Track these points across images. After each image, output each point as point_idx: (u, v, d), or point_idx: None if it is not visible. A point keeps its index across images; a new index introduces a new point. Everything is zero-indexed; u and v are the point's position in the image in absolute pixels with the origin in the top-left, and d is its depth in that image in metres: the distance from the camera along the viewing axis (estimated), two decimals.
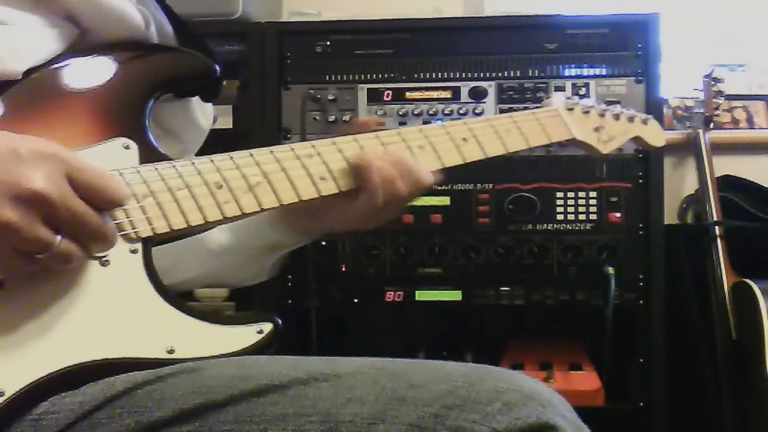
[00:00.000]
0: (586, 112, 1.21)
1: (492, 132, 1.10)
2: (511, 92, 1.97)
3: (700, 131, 2.31)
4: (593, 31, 1.98)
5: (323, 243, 1.97)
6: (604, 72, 1.97)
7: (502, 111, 1.94)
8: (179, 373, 0.78)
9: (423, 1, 2.35)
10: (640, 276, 1.96)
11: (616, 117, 1.25)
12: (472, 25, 2.08)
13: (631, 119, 1.27)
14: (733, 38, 2.54)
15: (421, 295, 1.99)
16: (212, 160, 0.90)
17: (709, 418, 2.14)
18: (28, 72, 0.89)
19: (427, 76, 2.00)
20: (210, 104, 1.16)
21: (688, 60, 2.48)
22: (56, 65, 0.91)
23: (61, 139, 0.84)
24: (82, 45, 0.96)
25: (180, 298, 0.85)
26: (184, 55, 1.02)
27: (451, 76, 2.00)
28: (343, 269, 1.99)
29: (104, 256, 0.81)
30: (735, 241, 2.20)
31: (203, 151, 0.99)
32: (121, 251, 0.82)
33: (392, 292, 1.99)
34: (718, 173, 2.28)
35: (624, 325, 1.95)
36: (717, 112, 2.32)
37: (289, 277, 2.00)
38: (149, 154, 0.89)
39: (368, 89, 1.99)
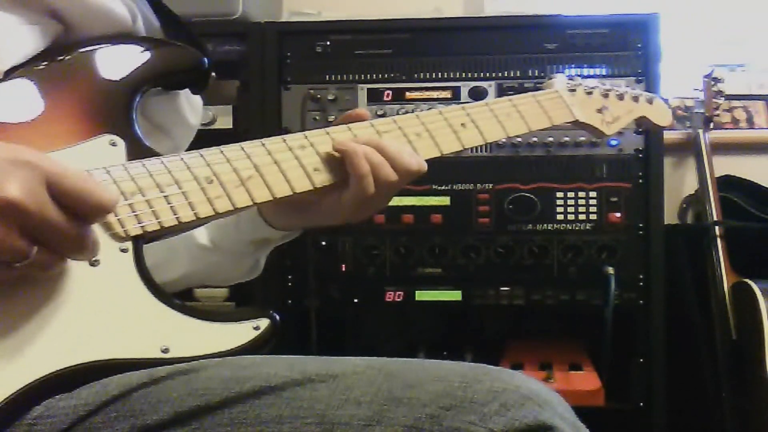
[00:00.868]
0: (589, 93, 1.18)
1: (491, 116, 1.06)
2: (511, 92, 1.96)
3: (700, 131, 2.30)
4: (593, 31, 1.98)
5: (323, 243, 1.97)
6: (604, 72, 1.97)
7: None
8: (174, 375, 0.77)
9: (423, 1, 2.35)
10: (640, 276, 1.96)
11: (620, 97, 1.21)
12: (472, 25, 2.08)
13: (635, 98, 1.23)
14: (733, 38, 2.53)
15: (421, 295, 1.99)
16: (202, 155, 0.88)
17: (709, 418, 2.14)
18: (10, 71, 0.88)
19: (427, 76, 2.00)
20: (200, 101, 1.13)
21: (688, 60, 2.48)
22: (39, 63, 0.89)
23: (46, 137, 0.84)
24: (65, 41, 0.94)
25: (174, 296, 0.83)
26: (172, 47, 1.01)
27: (451, 76, 2.00)
28: (343, 269, 1.99)
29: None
30: (735, 241, 2.19)
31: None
32: (110, 250, 0.80)
33: (392, 292, 1.99)
34: (718, 173, 2.27)
35: (624, 325, 1.95)
36: (717, 112, 2.32)
37: (289, 277, 2.00)
38: (137, 150, 0.87)
39: (368, 89, 2.00)
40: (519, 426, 0.71)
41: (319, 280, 1.97)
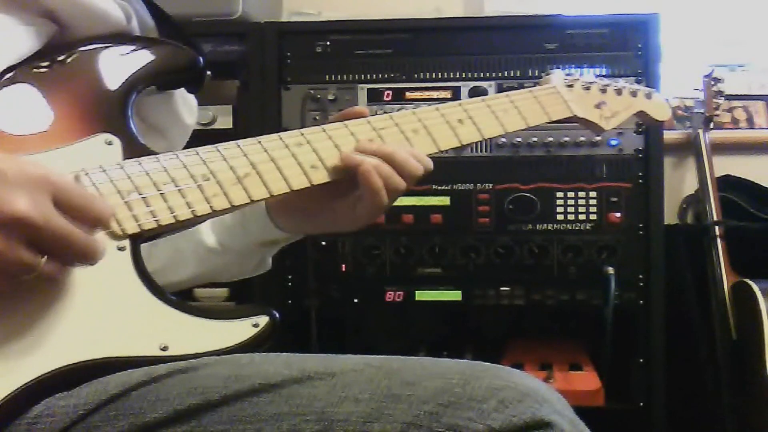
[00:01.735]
0: (587, 88, 1.17)
1: (488, 112, 1.06)
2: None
3: (700, 131, 2.30)
4: (593, 31, 1.98)
5: (323, 243, 1.97)
6: (604, 72, 1.96)
7: None
8: (173, 374, 0.77)
9: (423, 1, 2.35)
10: (640, 276, 1.96)
11: (619, 92, 1.21)
12: (472, 25, 2.08)
13: (634, 93, 1.23)
14: (733, 38, 2.53)
15: (421, 295, 1.99)
16: (198, 153, 0.88)
17: (709, 418, 2.14)
18: (5, 71, 0.88)
19: (427, 76, 2.00)
20: (195, 101, 1.14)
21: (688, 60, 2.47)
22: (35, 64, 0.90)
23: (43, 136, 0.84)
24: (60, 41, 0.95)
25: (172, 294, 0.83)
26: (167, 46, 1.01)
27: (451, 76, 2.00)
28: (343, 269, 1.99)
29: None
30: (735, 241, 2.19)
31: None
32: (108, 249, 0.79)
33: (392, 292, 1.99)
34: (718, 173, 2.27)
35: (624, 325, 1.95)
36: (717, 112, 2.31)
37: (289, 277, 2.00)
38: (133, 149, 0.87)
39: (368, 89, 1.99)
40: (517, 422, 0.71)
41: (319, 280, 1.97)
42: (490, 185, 1.97)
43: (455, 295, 1.99)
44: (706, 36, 2.53)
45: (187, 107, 1.11)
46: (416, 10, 2.23)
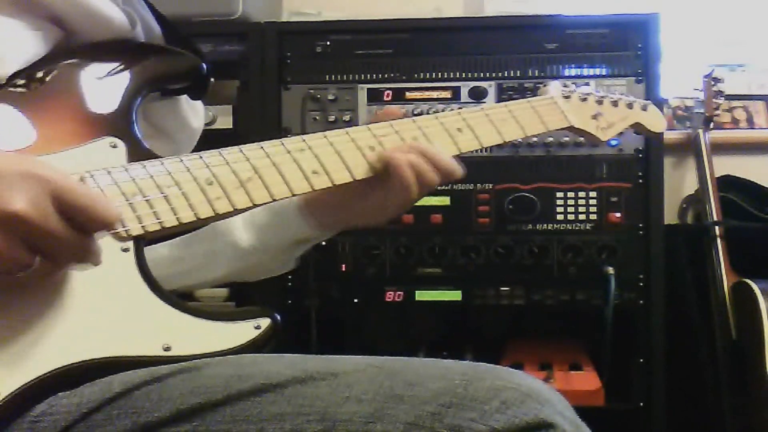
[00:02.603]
0: (584, 100, 1.19)
1: (487, 121, 1.08)
2: (511, 92, 1.97)
3: (700, 131, 2.31)
4: (593, 31, 1.98)
5: (323, 243, 1.96)
6: (604, 72, 1.97)
7: None
8: (176, 373, 0.77)
9: (423, 1, 2.35)
10: (640, 276, 1.96)
11: (615, 103, 1.23)
12: (472, 25, 2.08)
13: (630, 105, 1.25)
14: (733, 38, 2.53)
15: (421, 295, 1.99)
16: (201, 157, 0.89)
17: (709, 418, 2.14)
18: (13, 76, 0.89)
19: (427, 76, 2.00)
20: (201, 104, 1.15)
21: (688, 60, 2.48)
22: (41, 68, 0.91)
23: (48, 139, 0.85)
24: (67, 46, 0.96)
25: (175, 296, 0.84)
26: (171, 53, 1.02)
27: (451, 76, 2.00)
28: (343, 269, 1.99)
29: None
30: (735, 241, 2.20)
31: (202, 150, 0.98)
32: (112, 250, 0.80)
33: (392, 292, 1.99)
34: (718, 173, 2.28)
35: (624, 325, 1.95)
36: (717, 112, 2.32)
37: (289, 277, 2.00)
38: (137, 153, 0.88)
39: (368, 89, 2.00)
40: (519, 423, 0.71)
41: (319, 280, 1.97)
42: (490, 185, 1.98)
43: (455, 295, 1.99)
44: (706, 36, 2.53)
45: (193, 111, 1.12)
46: (416, 10, 2.23)
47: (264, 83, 2.01)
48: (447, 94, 1.99)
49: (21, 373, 0.74)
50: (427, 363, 0.80)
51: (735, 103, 2.50)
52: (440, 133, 1.04)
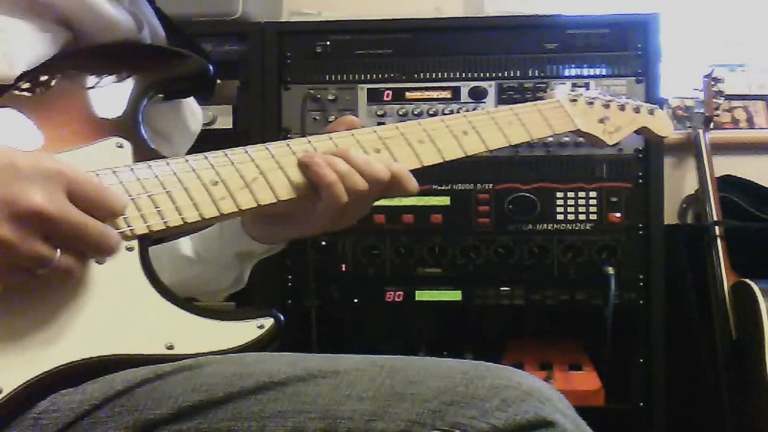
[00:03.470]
0: (590, 103, 1.19)
1: (493, 124, 1.08)
2: (511, 92, 1.97)
3: (700, 131, 2.31)
4: (593, 31, 1.99)
5: (323, 243, 1.97)
6: (604, 72, 1.97)
7: None
8: (178, 371, 0.77)
9: (423, 1, 2.36)
10: (640, 276, 1.96)
11: (622, 108, 1.23)
12: (472, 25, 2.08)
13: (636, 109, 1.25)
14: (733, 38, 2.54)
15: (421, 295, 1.99)
16: (206, 157, 0.89)
17: (709, 418, 2.14)
18: (21, 76, 0.90)
19: (427, 76, 2.00)
20: (199, 109, 1.15)
21: (688, 60, 2.48)
22: (47, 71, 0.91)
23: (55, 142, 0.85)
24: (74, 48, 0.97)
25: (178, 295, 0.84)
26: (177, 55, 1.02)
27: (451, 76, 2.00)
28: (343, 269, 1.99)
29: None
30: (735, 241, 2.20)
31: (202, 150, 0.98)
32: None
33: (392, 292, 1.99)
34: (718, 173, 2.28)
35: (624, 325, 1.95)
36: (717, 112, 2.32)
37: (289, 277, 2.00)
38: (143, 153, 0.88)
39: (368, 89, 2.00)
40: (520, 421, 0.71)
41: (319, 280, 1.97)
42: (490, 185, 1.98)
43: (455, 295, 1.99)
44: (706, 36, 2.53)
45: (192, 115, 1.13)
46: (416, 10, 2.23)
47: (264, 83, 2.01)
48: (447, 94, 1.99)
49: (24, 370, 0.75)
50: (428, 362, 0.80)
51: (735, 103, 2.51)
52: (446, 136, 1.04)
